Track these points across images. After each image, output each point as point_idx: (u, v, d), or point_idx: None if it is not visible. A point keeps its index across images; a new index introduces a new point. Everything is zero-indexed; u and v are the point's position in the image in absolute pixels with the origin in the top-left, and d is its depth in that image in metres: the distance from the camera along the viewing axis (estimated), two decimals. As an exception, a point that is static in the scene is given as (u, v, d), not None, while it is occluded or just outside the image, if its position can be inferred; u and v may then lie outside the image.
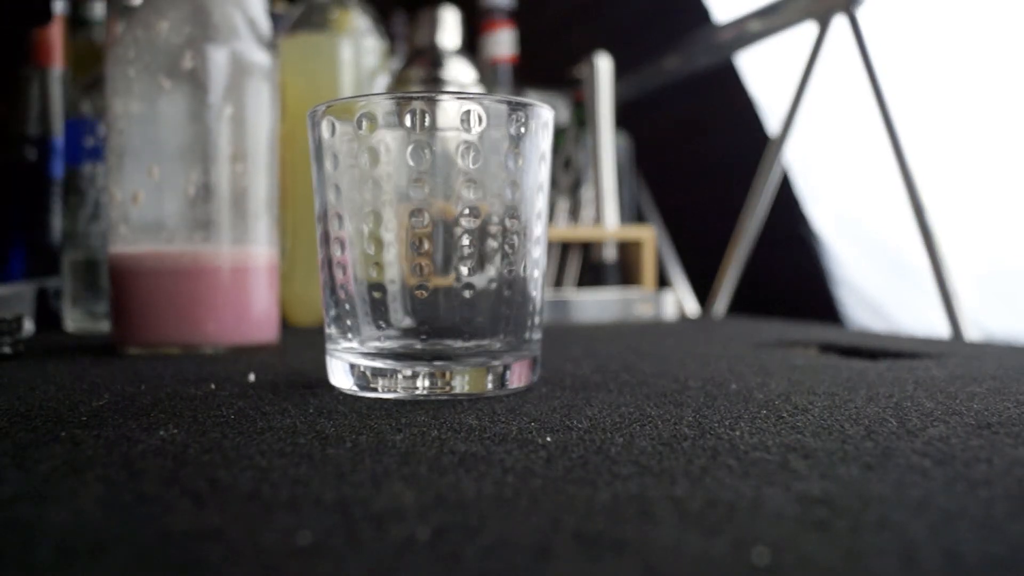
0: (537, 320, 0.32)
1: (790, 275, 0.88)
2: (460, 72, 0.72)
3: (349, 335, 0.30)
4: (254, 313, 0.47)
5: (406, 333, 0.30)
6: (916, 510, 0.16)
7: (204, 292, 0.45)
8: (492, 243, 0.29)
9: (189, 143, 0.45)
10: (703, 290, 0.90)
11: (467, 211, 0.29)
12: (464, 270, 0.29)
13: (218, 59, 0.45)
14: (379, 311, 0.30)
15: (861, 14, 0.68)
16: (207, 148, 0.45)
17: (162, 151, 0.44)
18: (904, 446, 0.22)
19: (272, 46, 0.49)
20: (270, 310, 0.48)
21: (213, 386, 0.33)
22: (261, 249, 0.48)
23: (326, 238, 0.31)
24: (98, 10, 0.78)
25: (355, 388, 0.30)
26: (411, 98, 0.29)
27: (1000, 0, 0.70)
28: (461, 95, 0.29)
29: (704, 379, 0.34)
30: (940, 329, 0.64)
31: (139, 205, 0.45)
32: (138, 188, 0.44)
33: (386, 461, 0.20)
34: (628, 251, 0.82)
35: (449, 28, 0.73)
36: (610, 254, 0.81)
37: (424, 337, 0.29)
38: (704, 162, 0.99)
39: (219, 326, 0.45)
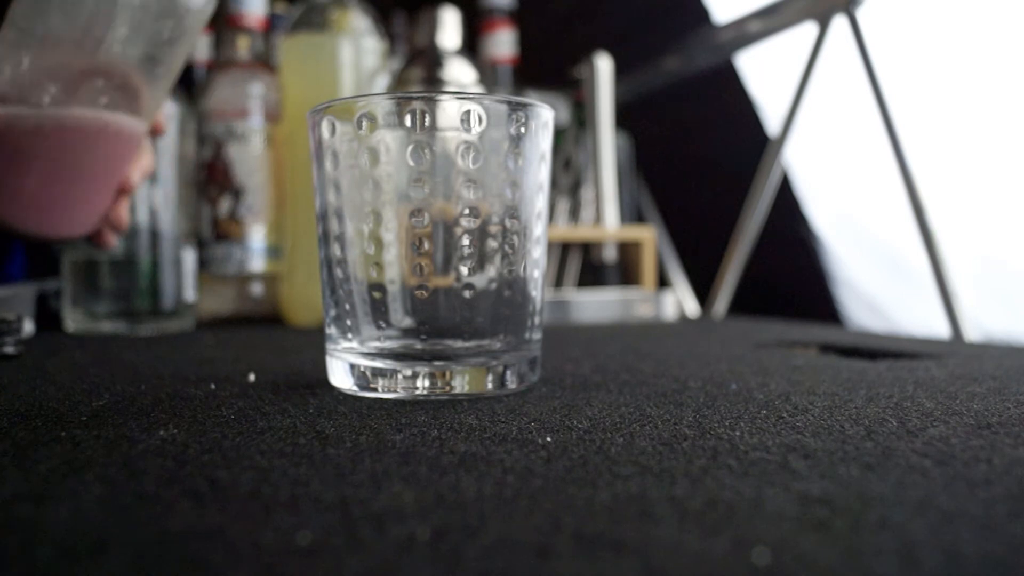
0: (537, 320, 0.32)
1: (790, 275, 0.88)
2: (460, 72, 0.72)
3: (349, 335, 0.30)
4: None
5: (406, 333, 0.30)
6: (916, 510, 0.16)
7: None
8: (492, 243, 0.30)
9: None
10: (703, 290, 0.90)
11: (467, 211, 0.29)
12: (464, 270, 0.29)
13: None
14: (379, 311, 0.30)
15: (861, 14, 0.68)
16: None
17: None
18: (904, 446, 0.22)
19: None
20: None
21: (213, 386, 0.33)
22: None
23: (326, 238, 0.31)
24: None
25: (355, 388, 0.30)
26: (411, 98, 0.29)
27: (1000, 0, 0.70)
28: (461, 95, 0.29)
29: (704, 379, 0.34)
30: (940, 329, 0.64)
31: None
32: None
33: (386, 461, 0.20)
34: (628, 251, 0.82)
35: (449, 28, 0.73)
36: (610, 254, 0.81)
37: (424, 337, 0.29)
38: (704, 162, 0.99)
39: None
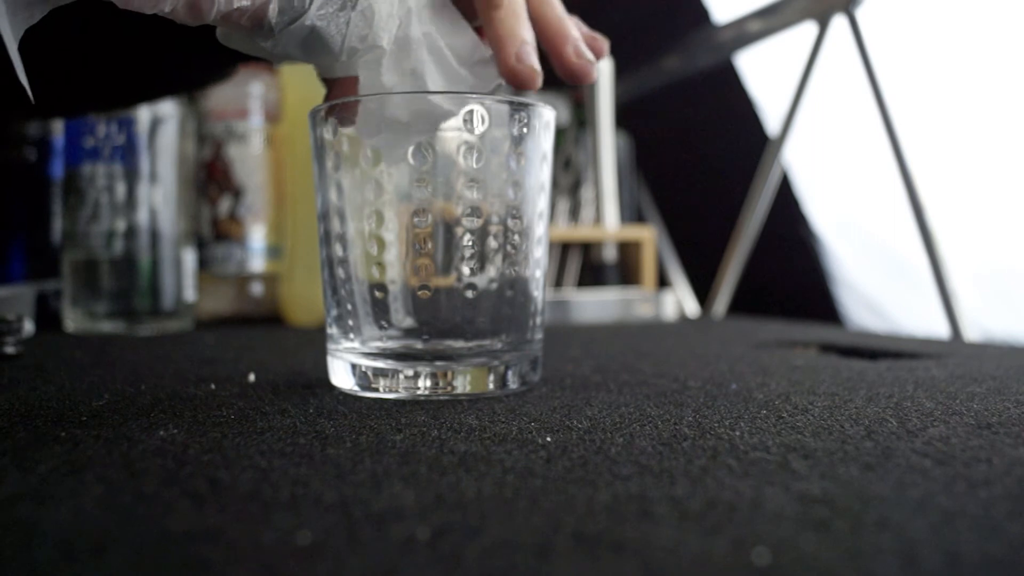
0: (539, 320, 0.32)
1: (790, 275, 0.88)
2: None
3: (350, 335, 0.30)
4: None
5: (408, 333, 0.30)
6: (916, 510, 0.16)
7: None
8: (494, 243, 0.29)
9: None
10: (703, 290, 0.90)
11: (469, 211, 0.29)
12: (466, 270, 0.29)
13: None
14: (381, 311, 0.30)
15: (861, 14, 0.68)
16: None
17: None
18: (904, 446, 0.22)
19: None
20: None
21: (213, 386, 0.33)
22: None
23: (328, 237, 0.31)
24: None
25: (356, 388, 0.30)
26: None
27: (1000, 0, 0.70)
28: (462, 95, 0.29)
29: (704, 379, 0.34)
30: (940, 329, 0.64)
31: None
32: None
33: (386, 461, 0.20)
34: (628, 251, 0.82)
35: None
36: (610, 254, 0.81)
37: (426, 337, 0.29)
38: (704, 162, 0.99)
39: None
